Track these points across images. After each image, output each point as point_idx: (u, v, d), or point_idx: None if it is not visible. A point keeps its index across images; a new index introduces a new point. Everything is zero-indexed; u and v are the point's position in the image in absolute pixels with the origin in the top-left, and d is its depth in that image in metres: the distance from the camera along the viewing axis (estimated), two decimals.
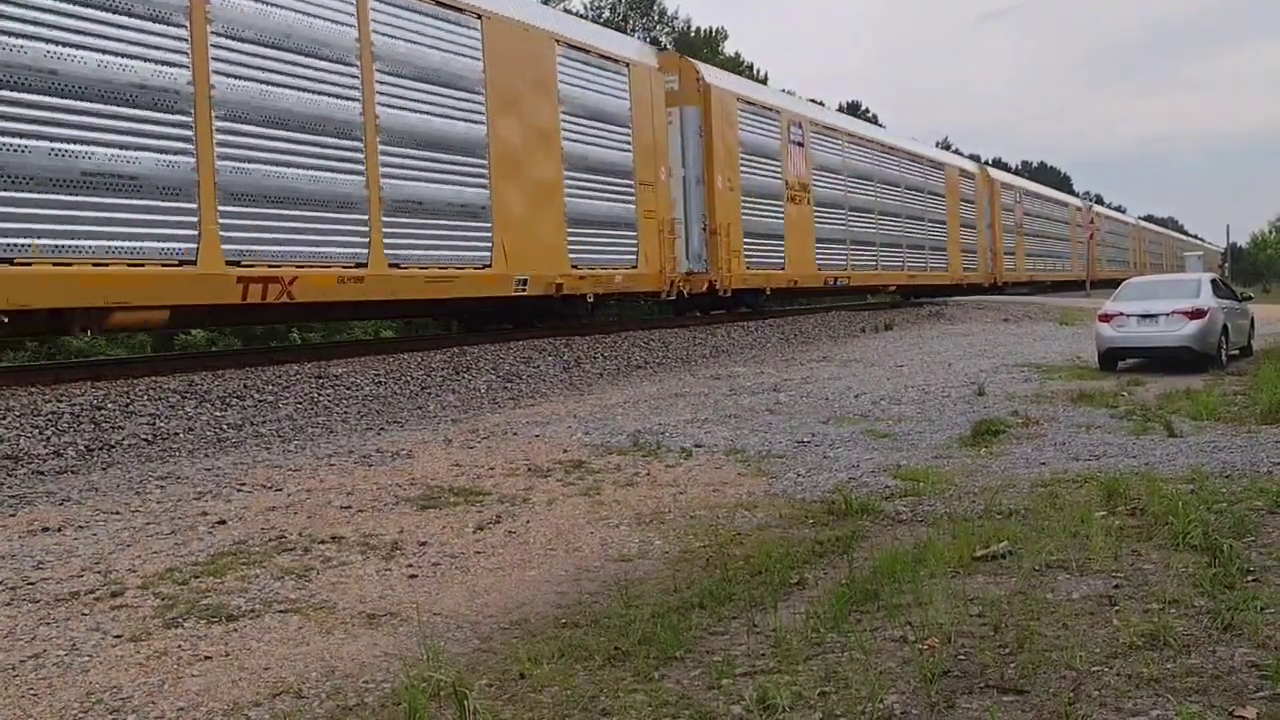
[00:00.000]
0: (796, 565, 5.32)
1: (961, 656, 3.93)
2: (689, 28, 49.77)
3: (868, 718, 3.41)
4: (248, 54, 10.86)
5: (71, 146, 9.22)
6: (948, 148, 76.18)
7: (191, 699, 3.86)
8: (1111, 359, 14.97)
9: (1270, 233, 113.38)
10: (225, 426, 9.85)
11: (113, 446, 8.86)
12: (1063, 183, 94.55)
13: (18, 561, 5.49)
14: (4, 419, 8.75)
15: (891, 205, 28.71)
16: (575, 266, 15.80)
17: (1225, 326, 15.22)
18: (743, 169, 20.84)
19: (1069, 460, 7.93)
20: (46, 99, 9.07)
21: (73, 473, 8.12)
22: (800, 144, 23.52)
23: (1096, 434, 9.10)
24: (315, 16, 11.63)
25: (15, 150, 8.84)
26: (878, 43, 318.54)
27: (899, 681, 3.71)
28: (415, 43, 12.99)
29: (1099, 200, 73.52)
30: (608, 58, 17.03)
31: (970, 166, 37.76)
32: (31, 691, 3.92)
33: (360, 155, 12.15)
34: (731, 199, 20.28)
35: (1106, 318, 15.05)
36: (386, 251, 12.44)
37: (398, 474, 7.78)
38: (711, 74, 21.11)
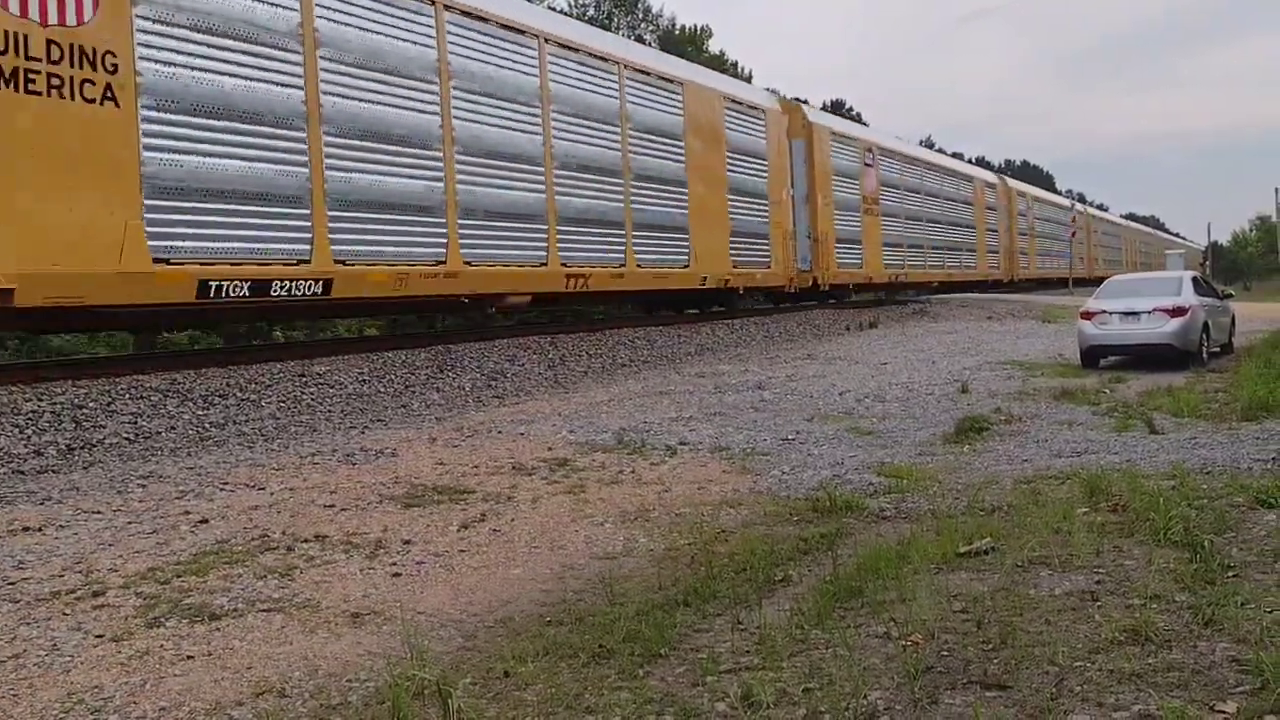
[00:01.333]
0: (781, 562, 5.34)
1: (945, 652, 3.94)
2: (674, 26, 49.84)
3: (852, 714, 3.42)
4: None
5: None
6: (931, 146, 71.95)
7: (174, 699, 3.84)
8: (1093, 356, 15.06)
9: (1251, 231, 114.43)
10: (208, 425, 9.79)
11: (94, 445, 8.80)
12: (1047, 182, 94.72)
13: None
14: None
15: (421, 128, 13.09)
16: None
17: (1206, 324, 15.32)
18: None
19: (1051, 457, 7.98)
20: None
21: (53, 472, 8.06)
22: None
23: (1079, 431, 9.16)
24: None
25: None
26: (866, 41, 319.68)
27: (883, 678, 3.73)
28: None
29: (1081, 199, 72.69)
30: None
31: (702, 78, 20.25)
32: (12, 692, 3.89)
33: None
34: None
35: (1089, 315, 15.14)
36: None
37: (382, 472, 7.75)
38: None
